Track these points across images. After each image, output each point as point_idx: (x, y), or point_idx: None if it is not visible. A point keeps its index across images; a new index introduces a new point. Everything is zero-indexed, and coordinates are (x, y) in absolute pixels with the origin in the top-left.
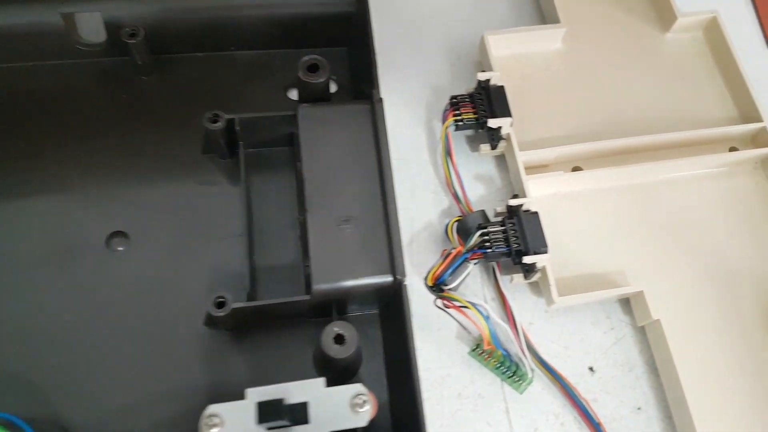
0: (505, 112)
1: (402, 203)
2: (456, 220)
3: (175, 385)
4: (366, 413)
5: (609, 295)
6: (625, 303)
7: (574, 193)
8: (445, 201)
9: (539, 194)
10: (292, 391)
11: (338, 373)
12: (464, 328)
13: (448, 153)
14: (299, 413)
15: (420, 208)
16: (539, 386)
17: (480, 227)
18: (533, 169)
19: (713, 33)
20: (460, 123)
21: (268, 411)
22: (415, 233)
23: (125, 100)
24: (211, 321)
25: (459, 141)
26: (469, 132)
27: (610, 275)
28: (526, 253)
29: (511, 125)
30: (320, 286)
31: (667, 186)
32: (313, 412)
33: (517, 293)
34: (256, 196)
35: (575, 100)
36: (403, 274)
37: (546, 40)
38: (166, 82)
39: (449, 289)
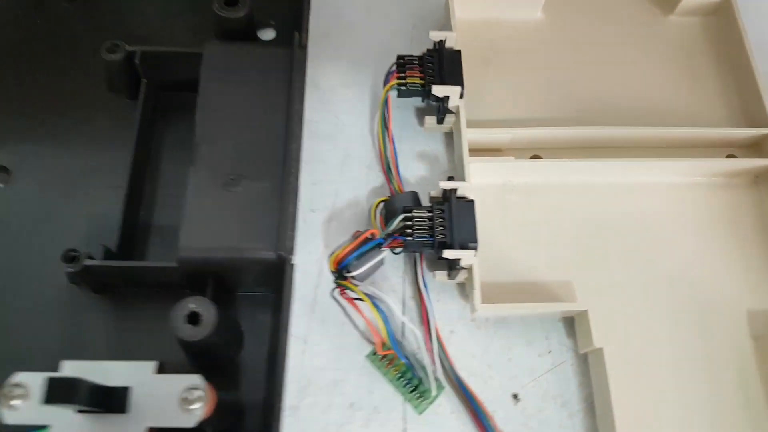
0: (456, 80)
1: (328, 174)
2: (382, 200)
3: (26, 343)
4: (196, 412)
5: (545, 310)
6: (571, 324)
7: (527, 185)
8: (380, 178)
9: (484, 182)
10: (115, 372)
11: (197, 358)
12: (355, 326)
13: (385, 121)
14: (116, 399)
15: (348, 182)
16: (448, 408)
17: (405, 210)
18: (484, 152)
19: (724, 18)
20: (404, 88)
21: (58, 390)
22: (338, 210)
23: (40, 25)
24: (73, 278)
25: (406, 112)
26: (422, 103)
27: (553, 288)
28: (450, 246)
29: (461, 96)
30: (187, 252)
31: (642, 191)
32: (135, 400)
33: (443, 294)
34: (156, 144)
35: (549, 81)
36: (290, 252)
37: (524, 7)
38: (91, 11)
39: (352, 277)
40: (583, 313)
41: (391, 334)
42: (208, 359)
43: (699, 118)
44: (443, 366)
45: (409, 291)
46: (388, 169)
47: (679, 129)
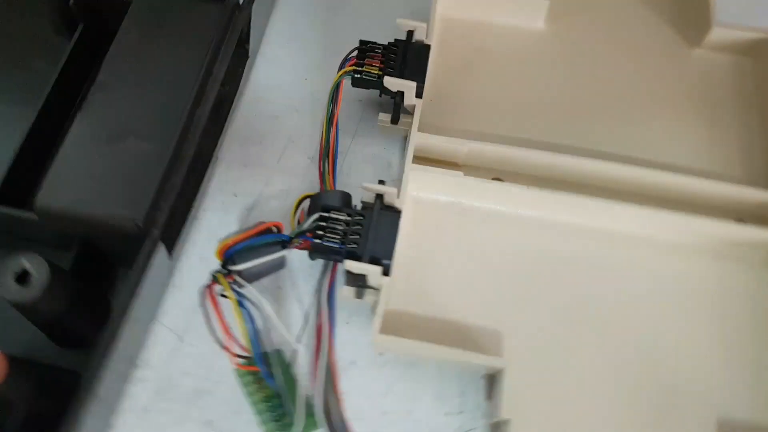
0: (418, 77)
1: (263, 158)
2: (308, 196)
3: None
4: None
5: (455, 357)
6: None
7: (477, 210)
8: None
9: (428, 197)
10: None
11: (36, 324)
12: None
13: (331, 109)
14: None
15: (284, 171)
16: None
17: (323, 209)
18: (438, 163)
19: (761, 60)
20: (358, 77)
21: None
22: (263, 199)
23: None
24: None
25: (369, 109)
26: (385, 100)
27: (478, 335)
28: (359, 258)
29: (420, 95)
30: (44, 202)
31: (616, 242)
32: None
33: (356, 318)
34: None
35: (539, 100)
36: (157, 226)
37: (524, 14)
38: None
39: (237, 272)
40: (499, 372)
41: (255, 347)
42: (53, 330)
43: (709, 171)
44: (326, 402)
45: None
46: (324, 161)
47: (681, 177)
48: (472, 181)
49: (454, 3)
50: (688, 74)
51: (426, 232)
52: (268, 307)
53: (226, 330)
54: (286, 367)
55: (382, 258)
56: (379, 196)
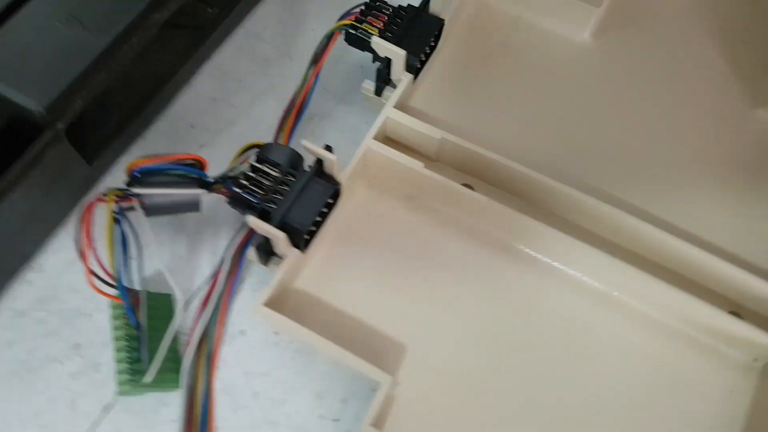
0: (415, 49)
1: (236, 97)
2: (256, 145)
3: None
4: None
5: (335, 356)
6: None
7: (431, 212)
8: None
9: (379, 180)
10: None
11: None
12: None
13: (315, 58)
14: None
15: (253, 116)
16: (174, 412)
17: (258, 159)
18: (407, 150)
19: None
20: (353, 33)
21: None
22: (220, 138)
23: None
24: None
25: (367, 77)
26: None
27: (379, 342)
28: (271, 219)
29: (411, 70)
30: None
31: (575, 291)
32: None
33: (264, 285)
34: None
35: (555, 118)
36: (62, 120)
37: (570, 19)
38: None
39: (136, 196)
40: (379, 387)
41: (120, 277)
42: None
43: (728, 250)
44: (196, 363)
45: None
46: (288, 113)
47: (684, 245)
48: (431, 177)
49: None
50: (740, 135)
51: (365, 218)
52: (148, 239)
53: (89, 244)
54: (164, 314)
55: (297, 227)
56: (319, 162)
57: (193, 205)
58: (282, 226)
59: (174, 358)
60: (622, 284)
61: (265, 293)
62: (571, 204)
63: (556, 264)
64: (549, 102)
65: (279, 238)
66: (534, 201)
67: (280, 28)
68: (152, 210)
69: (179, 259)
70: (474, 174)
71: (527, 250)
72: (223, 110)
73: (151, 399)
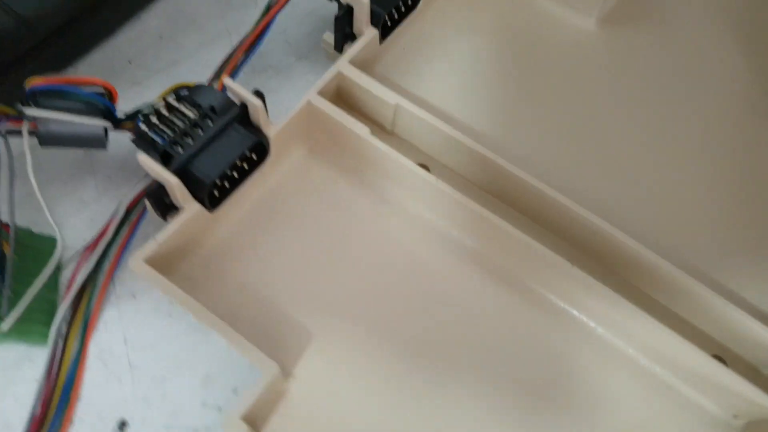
0: (388, 2)
1: (187, 39)
2: (186, 85)
3: None
4: None
5: (217, 330)
6: None
7: (368, 185)
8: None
9: (316, 140)
10: None
11: None
12: None
13: (268, 4)
14: None
15: (200, 58)
16: (30, 370)
17: (179, 97)
18: (363, 118)
19: None
20: None
21: None
22: (155, 78)
23: None
24: None
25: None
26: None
27: (284, 331)
28: (171, 164)
29: (375, 22)
30: None
31: (527, 305)
32: None
33: None
34: None
35: (538, 110)
36: None
37: (573, 5)
38: None
39: (31, 119)
40: (264, 381)
41: None
42: None
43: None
44: (71, 320)
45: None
46: (232, 54)
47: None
48: (376, 146)
49: None
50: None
51: (297, 187)
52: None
53: None
54: (42, 259)
55: (199, 177)
56: (244, 108)
57: (97, 140)
58: (182, 174)
59: (47, 310)
60: (604, 314)
61: (149, 247)
62: (549, 208)
63: (522, 276)
64: (540, 91)
65: (172, 185)
66: (498, 193)
67: None
68: (48, 139)
69: (80, 202)
70: (432, 155)
71: (484, 250)
72: (168, 50)
73: (14, 351)
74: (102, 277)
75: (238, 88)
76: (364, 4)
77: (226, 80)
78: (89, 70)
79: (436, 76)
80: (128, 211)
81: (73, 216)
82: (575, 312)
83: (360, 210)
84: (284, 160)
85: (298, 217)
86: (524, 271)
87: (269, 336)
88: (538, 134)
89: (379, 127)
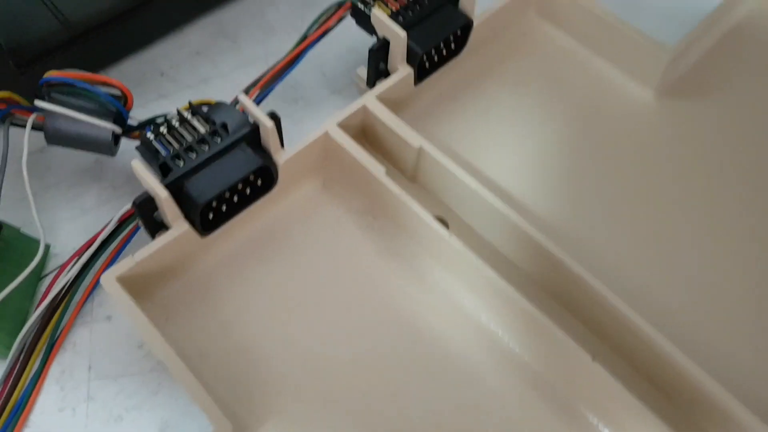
0: (425, 43)
1: (226, 61)
2: (205, 103)
3: None
4: None
5: (174, 374)
6: None
7: (385, 236)
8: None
9: (329, 177)
10: None
11: None
12: None
13: (312, 27)
14: None
15: (234, 80)
16: None
17: (194, 111)
18: (386, 159)
19: None
20: (361, 7)
21: None
22: (186, 96)
23: None
24: None
25: None
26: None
27: (258, 379)
28: (166, 174)
29: (411, 60)
30: None
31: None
32: None
33: None
34: None
35: (577, 180)
36: None
37: (638, 68)
38: None
39: (38, 110)
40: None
41: None
42: None
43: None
44: (37, 334)
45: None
46: (259, 78)
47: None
48: (391, 189)
49: (558, 10)
50: None
51: (302, 223)
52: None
53: None
54: (22, 262)
55: (193, 195)
56: (255, 128)
57: (105, 145)
58: (176, 190)
59: (16, 318)
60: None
61: (124, 265)
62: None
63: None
64: (587, 162)
65: (161, 198)
66: (536, 278)
67: (298, 3)
68: (54, 136)
69: (79, 209)
70: (455, 211)
71: (484, 319)
72: (202, 67)
73: None
74: (81, 293)
75: (251, 106)
76: (401, 38)
77: (241, 96)
78: (118, 76)
79: (472, 129)
80: (121, 224)
81: (69, 222)
82: None
83: (363, 259)
84: (293, 192)
85: (296, 255)
86: (574, 393)
87: (235, 385)
88: (584, 213)
89: (400, 172)
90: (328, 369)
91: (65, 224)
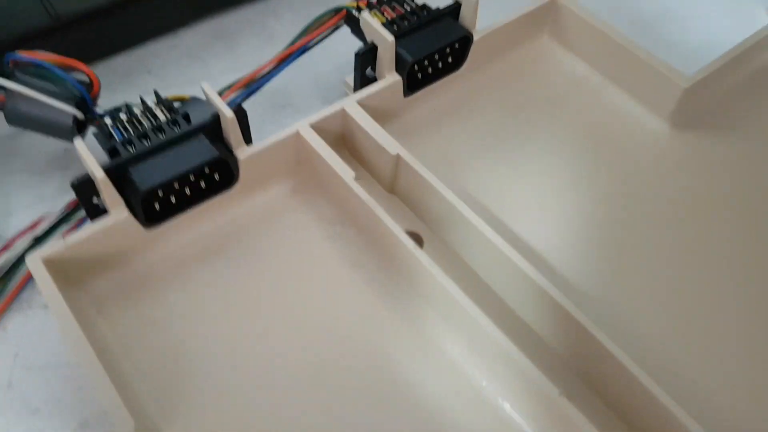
0: (419, 51)
1: (218, 65)
2: (181, 98)
3: None
4: None
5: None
6: None
7: (351, 247)
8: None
9: (294, 176)
10: None
11: None
12: None
13: (304, 31)
14: None
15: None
16: None
17: (159, 100)
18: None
19: None
20: (355, 15)
21: None
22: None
23: None
24: None
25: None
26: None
27: (178, 382)
28: (114, 154)
29: (400, 68)
30: None
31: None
32: None
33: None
34: None
35: (570, 209)
36: None
37: (653, 96)
38: None
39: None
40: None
41: None
42: None
43: None
44: None
45: None
46: (239, 79)
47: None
48: (358, 195)
49: (573, 34)
50: None
51: (262, 226)
52: None
53: None
54: None
55: (135, 181)
56: (216, 120)
57: (64, 130)
58: (119, 175)
59: None
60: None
61: (52, 248)
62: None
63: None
64: (594, 194)
65: (98, 179)
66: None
67: (303, 13)
68: (13, 116)
69: (38, 197)
70: (432, 227)
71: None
72: (191, 69)
73: None
74: (17, 279)
75: (213, 95)
76: (388, 43)
77: (203, 84)
78: (105, 71)
79: (464, 150)
80: (69, 212)
81: (26, 209)
82: None
83: (323, 269)
84: (259, 194)
85: (250, 260)
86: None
87: (156, 384)
88: (595, 259)
89: (378, 182)
90: (259, 379)
91: (21, 211)
